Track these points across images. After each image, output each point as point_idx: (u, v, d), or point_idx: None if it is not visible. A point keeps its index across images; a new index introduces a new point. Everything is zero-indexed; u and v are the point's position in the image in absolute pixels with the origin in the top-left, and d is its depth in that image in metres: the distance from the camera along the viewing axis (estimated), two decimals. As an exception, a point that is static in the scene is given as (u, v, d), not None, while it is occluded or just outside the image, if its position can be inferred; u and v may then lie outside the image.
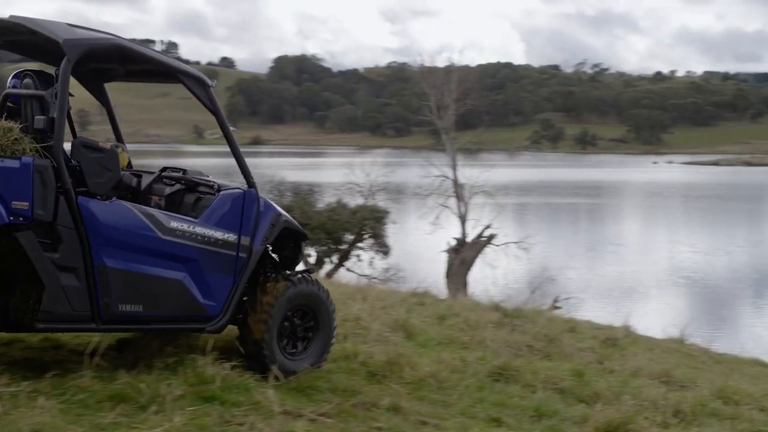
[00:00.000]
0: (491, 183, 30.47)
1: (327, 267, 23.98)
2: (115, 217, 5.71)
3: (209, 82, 6.28)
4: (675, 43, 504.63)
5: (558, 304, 20.95)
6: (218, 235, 6.14)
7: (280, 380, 5.98)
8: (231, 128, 6.57)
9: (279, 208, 6.65)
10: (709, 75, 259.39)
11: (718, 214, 56.02)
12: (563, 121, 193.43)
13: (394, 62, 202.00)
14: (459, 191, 29.78)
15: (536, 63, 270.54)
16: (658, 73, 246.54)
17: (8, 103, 5.97)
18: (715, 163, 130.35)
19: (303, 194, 26.85)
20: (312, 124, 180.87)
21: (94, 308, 5.58)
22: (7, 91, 5.92)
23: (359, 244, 24.66)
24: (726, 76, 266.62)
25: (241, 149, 6.45)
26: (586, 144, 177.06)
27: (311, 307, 6.49)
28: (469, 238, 27.97)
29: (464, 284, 26.35)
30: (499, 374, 7.10)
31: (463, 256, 27.22)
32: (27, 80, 5.88)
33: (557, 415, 6.27)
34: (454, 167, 30.51)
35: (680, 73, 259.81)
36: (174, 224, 5.96)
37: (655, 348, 10.51)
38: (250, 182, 6.45)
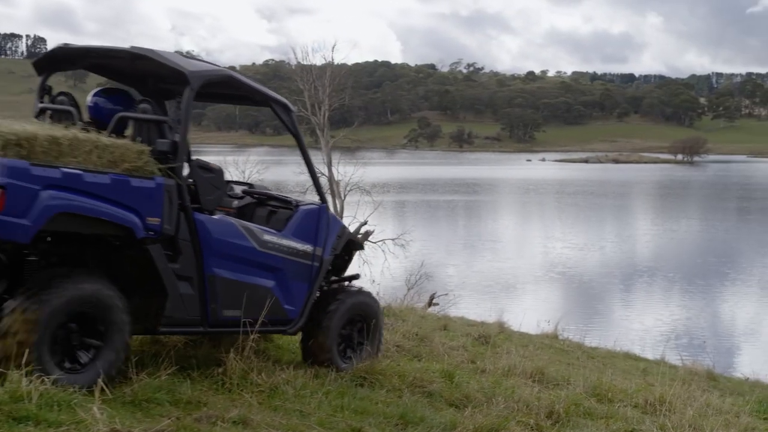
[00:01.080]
0: (370, 180, 30.15)
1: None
2: (222, 230, 6.36)
3: (292, 108, 7.14)
4: (546, 44, 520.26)
5: (436, 301, 20.71)
6: (299, 246, 6.88)
7: (109, 394, 5.21)
8: None
9: (343, 222, 7.37)
10: (578, 75, 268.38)
11: (589, 210, 57.47)
12: (440, 119, 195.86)
13: (272, 60, 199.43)
14: (334, 188, 29.47)
15: (413, 62, 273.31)
16: (530, 73, 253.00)
17: (90, 118, 6.47)
18: (585, 161, 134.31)
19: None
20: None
21: (203, 313, 6.26)
22: (134, 115, 6.23)
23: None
24: (594, 77, 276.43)
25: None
26: (462, 142, 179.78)
27: (365, 314, 7.30)
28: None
29: (340, 282, 25.95)
30: (362, 378, 6.54)
31: (337, 253, 26.87)
32: (144, 105, 6.30)
33: (424, 421, 5.76)
34: (329, 164, 30.16)
35: (551, 73, 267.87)
36: (266, 237, 6.67)
37: (529, 344, 10.20)
38: (323, 198, 7.34)
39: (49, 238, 5.78)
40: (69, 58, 6.92)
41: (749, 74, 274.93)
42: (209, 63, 6.94)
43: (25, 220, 5.23)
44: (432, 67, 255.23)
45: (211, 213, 6.48)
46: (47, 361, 5.29)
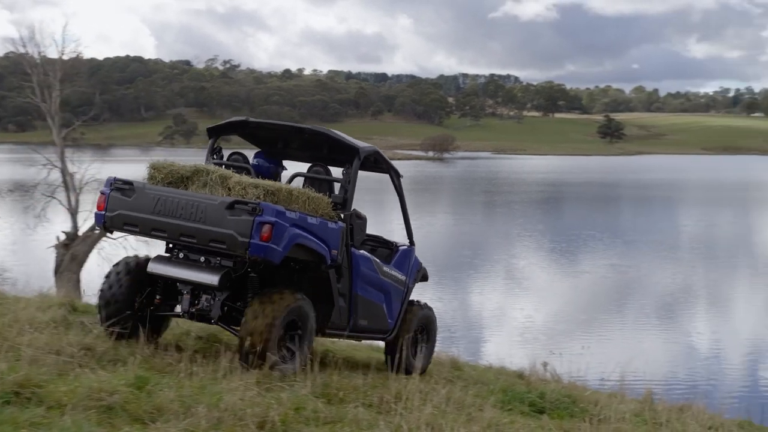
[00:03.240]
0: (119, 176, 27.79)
1: None
2: (364, 262, 8.61)
3: (401, 174, 9.68)
4: (302, 43, 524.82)
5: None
6: (399, 275, 9.24)
7: None
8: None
9: (419, 260, 9.84)
10: (333, 74, 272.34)
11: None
12: (196, 116, 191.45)
13: (13, 52, 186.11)
14: (68, 180, 27.07)
15: (167, 58, 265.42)
16: (287, 71, 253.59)
17: (253, 164, 8.85)
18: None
19: None
20: None
21: (348, 321, 8.47)
22: (313, 175, 8.63)
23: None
24: (349, 75, 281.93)
25: None
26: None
27: (427, 324, 9.79)
28: (81, 232, 25.56)
29: (77, 281, 23.94)
30: (15, 394, 5.05)
31: (73, 251, 24.91)
32: (317, 168, 8.71)
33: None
34: (62, 157, 27.65)
35: (307, 71, 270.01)
36: (384, 268, 8.97)
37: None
38: (412, 241, 9.77)
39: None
40: (239, 128, 9.33)
41: (492, 75, 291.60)
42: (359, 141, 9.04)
43: (280, 248, 7.29)
44: (187, 63, 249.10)
45: (358, 249, 8.65)
46: (275, 353, 7.29)
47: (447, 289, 28.26)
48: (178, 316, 8.14)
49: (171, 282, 7.92)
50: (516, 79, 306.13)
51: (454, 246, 37.52)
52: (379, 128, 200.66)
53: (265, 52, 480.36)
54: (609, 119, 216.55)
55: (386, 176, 9.62)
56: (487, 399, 7.31)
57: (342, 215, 8.25)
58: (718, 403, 10.43)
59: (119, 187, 7.79)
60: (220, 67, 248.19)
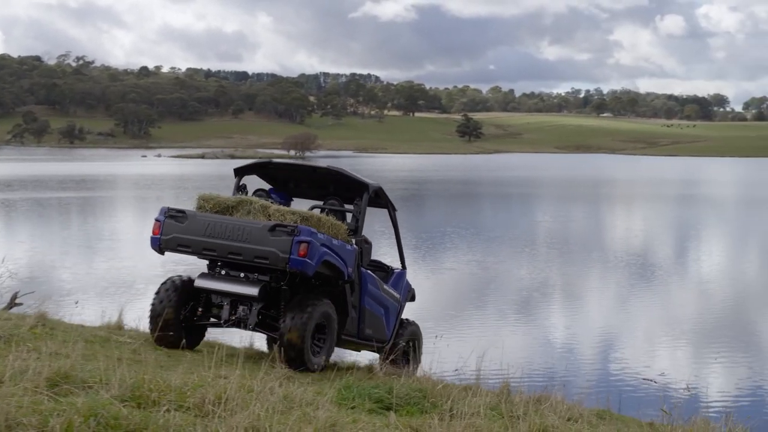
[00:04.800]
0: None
1: None
2: (371, 280, 10.66)
3: (396, 208, 11.65)
4: (159, 40, 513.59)
5: (18, 301, 17.70)
6: (395, 293, 11.35)
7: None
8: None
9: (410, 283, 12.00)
10: (192, 72, 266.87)
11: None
12: (48, 114, 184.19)
13: None
14: None
15: (15, 53, 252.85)
16: (144, 68, 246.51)
17: (270, 197, 10.61)
18: (202, 156, 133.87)
19: None
20: None
21: (357, 329, 10.46)
22: (333, 207, 10.67)
23: None
24: (208, 74, 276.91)
25: None
26: (73, 138, 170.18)
27: (416, 337, 11.87)
28: None
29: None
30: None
31: None
32: (333, 200, 10.81)
33: None
34: None
35: (165, 69, 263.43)
36: (384, 286, 11.08)
37: (79, 339, 7.89)
38: (404, 266, 11.96)
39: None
40: (261, 169, 11.46)
41: (353, 75, 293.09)
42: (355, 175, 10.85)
43: (313, 262, 9.22)
44: (38, 59, 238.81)
45: (366, 269, 10.55)
46: (308, 348, 9.29)
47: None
48: (218, 325, 9.96)
49: (213, 295, 9.76)
50: (377, 78, 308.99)
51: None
52: (240, 127, 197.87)
53: (121, 49, 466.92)
54: (467, 119, 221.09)
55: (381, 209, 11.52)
56: (330, 396, 6.57)
57: (354, 240, 10.24)
58: (577, 393, 10.09)
59: (173, 215, 9.75)
60: (73, 64, 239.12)
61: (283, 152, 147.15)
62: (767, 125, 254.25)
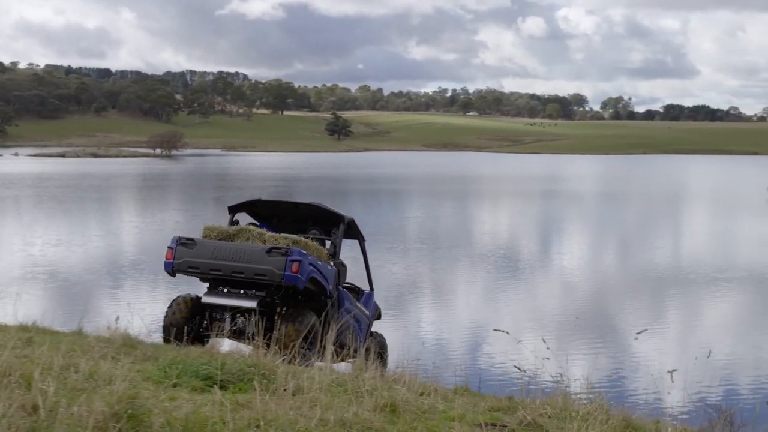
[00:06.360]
0: None
1: None
2: (347, 297, 12.69)
3: (364, 239, 14.08)
4: (16, 36, 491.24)
5: None
6: (366, 310, 13.40)
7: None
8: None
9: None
10: (52, 68, 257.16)
11: (71, 203, 54.51)
12: None
13: None
14: None
15: None
16: (0, 65, 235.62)
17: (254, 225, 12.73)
18: (63, 155, 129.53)
19: None
20: None
21: (336, 339, 10.22)
22: (315, 236, 12.77)
23: None
24: (69, 70, 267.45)
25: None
26: None
27: (383, 347, 13.70)
28: None
29: None
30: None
31: None
32: (314, 230, 13.05)
33: None
34: None
35: (23, 65, 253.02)
36: (357, 303, 13.15)
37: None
38: (372, 286, 14.20)
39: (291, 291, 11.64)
40: (251, 206, 13.52)
41: (221, 73, 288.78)
42: (332, 210, 13.25)
43: (303, 278, 11.15)
44: None
45: (343, 287, 12.70)
46: (302, 350, 10.65)
47: (183, 289, 27.28)
48: (219, 336, 11.54)
49: (215, 312, 11.46)
50: (245, 76, 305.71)
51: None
52: (104, 125, 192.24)
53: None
54: (336, 117, 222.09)
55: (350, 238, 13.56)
56: (148, 375, 6.54)
57: (333, 262, 12.23)
58: (433, 372, 10.23)
59: (183, 242, 11.56)
60: None
61: (149, 151, 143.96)
62: (623, 124, 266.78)
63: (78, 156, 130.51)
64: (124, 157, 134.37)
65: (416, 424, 6.26)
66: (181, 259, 11.46)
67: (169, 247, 11.64)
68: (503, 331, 7.72)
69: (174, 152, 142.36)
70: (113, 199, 61.00)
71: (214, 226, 12.01)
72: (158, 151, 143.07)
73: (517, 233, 44.68)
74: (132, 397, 5.25)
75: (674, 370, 6.88)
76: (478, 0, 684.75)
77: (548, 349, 7.76)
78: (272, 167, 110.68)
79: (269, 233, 11.82)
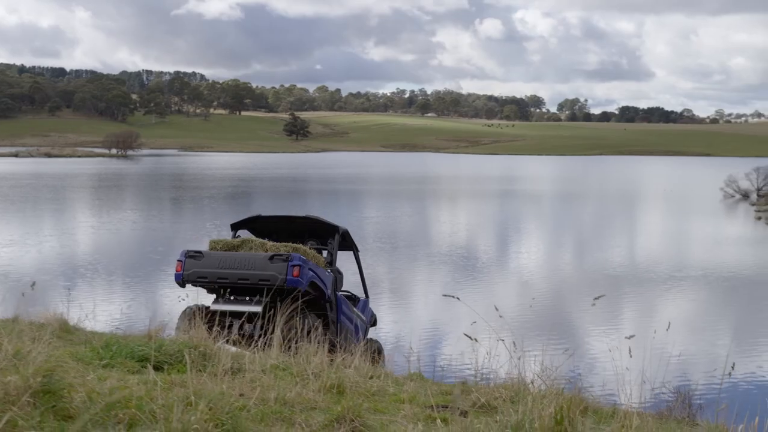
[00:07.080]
0: None
1: None
2: (344, 302, 13.37)
3: (358, 249, 15.06)
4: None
5: None
6: (362, 315, 14.34)
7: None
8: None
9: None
10: (5, 67, 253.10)
11: (24, 203, 53.64)
12: None
13: None
14: None
15: None
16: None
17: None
18: (16, 155, 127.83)
19: None
20: None
21: (335, 340, 11.67)
22: (313, 246, 13.50)
23: None
24: (23, 69, 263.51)
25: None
26: None
27: (379, 350, 14.04)
28: None
29: None
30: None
31: None
32: (312, 242, 13.77)
33: None
34: None
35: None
36: (354, 308, 13.98)
37: None
38: (367, 293, 15.24)
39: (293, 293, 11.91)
40: (251, 223, 14.36)
41: (177, 72, 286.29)
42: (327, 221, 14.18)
43: (304, 281, 11.86)
44: None
45: (340, 292, 13.65)
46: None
47: (138, 288, 26.82)
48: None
49: (223, 319, 11.85)
50: (202, 77, 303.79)
51: (142, 244, 35.82)
52: (58, 125, 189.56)
53: None
54: (294, 117, 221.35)
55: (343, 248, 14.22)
56: (79, 356, 6.21)
57: (330, 269, 13.05)
58: (390, 362, 10.37)
59: (191, 255, 12.26)
60: None
61: (104, 151, 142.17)
62: (580, 125, 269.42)
63: (32, 156, 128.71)
64: (79, 157, 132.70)
65: (364, 403, 5.98)
66: (190, 270, 12.17)
67: (178, 260, 12.36)
68: (453, 297, 7.43)
69: (130, 152, 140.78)
70: (68, 199, 59.99)
71: (219, 239, 12.83)
72: (114, 151, 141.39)
73: (475, 233, 44.71)
74: (50, 370, 4.91)
75: (631, 336, 6.71)
76: (435, 1, 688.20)
77: (506, 339, 7.54)
78: (230, 167, 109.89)
79: (270, 242, 12.52)
